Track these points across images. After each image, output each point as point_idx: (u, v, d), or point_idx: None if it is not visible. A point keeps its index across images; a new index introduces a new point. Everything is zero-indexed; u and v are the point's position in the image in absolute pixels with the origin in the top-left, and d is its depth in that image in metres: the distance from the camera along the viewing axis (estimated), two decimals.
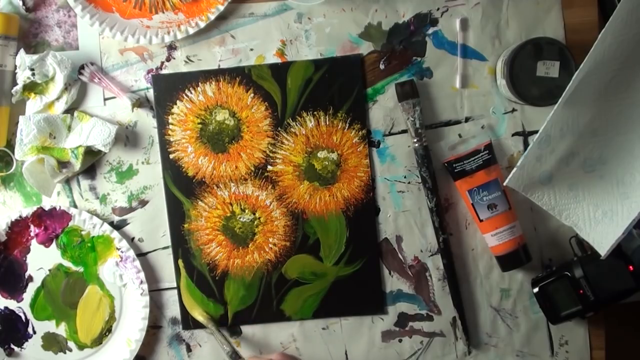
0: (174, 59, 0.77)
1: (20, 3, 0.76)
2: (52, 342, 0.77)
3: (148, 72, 0.77)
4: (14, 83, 0.75)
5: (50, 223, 0.76)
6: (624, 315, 0.88)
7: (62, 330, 0.77)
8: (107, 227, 0.76)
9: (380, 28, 0.77)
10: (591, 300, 0.71)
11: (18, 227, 0.76)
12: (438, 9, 0.77)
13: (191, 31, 0.75)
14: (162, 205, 0.77)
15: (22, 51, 0.74)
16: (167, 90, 0.77)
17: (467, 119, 0.77)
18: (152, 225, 0.77)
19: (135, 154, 0.77)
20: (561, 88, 0.68)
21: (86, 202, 0.77)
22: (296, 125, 0.77)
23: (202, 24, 0.75)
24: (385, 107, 0.77)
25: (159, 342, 0.78)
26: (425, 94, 0.77)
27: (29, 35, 0.77)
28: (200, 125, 0.77)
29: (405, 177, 0.78)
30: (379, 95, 0.77)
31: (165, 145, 0.77)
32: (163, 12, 0.77)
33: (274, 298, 0.77)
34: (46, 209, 0.76)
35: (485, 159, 0.75)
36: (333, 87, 0.76)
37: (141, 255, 0.77)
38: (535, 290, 0.75)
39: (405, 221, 0.78)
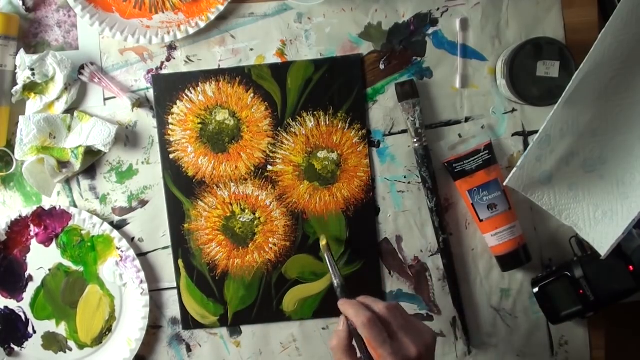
0: (174, 59, 0.77)
1: (20, 3, 0.76)
2: (52, 342, 0.77)
3: (148, 72, 0.77)
4: (14, 83, 0.75)
5: (50, 223, 0.76)
6: (624, 315, 0.88)
7: (62, 329, 0.77)
8: (107, 227, 0.76)
9: (380, 28, 0.77)
10: (591, 300, 0.71)
11: (18, 227, 0.76)
12: (438, 9, 0.77)
13: (191, 31, 0.75)
14: (162, 205, 0.77)
15: (22, 51, 0.74)
16: (167, 90, 0.77)
17: (467, 119, 0.77)
18: (152, 225, 0.77)
19: (135, 154, 0.77)
20: (561, 88, 0.68)
21: (86, 202, 0.77)
22: (296, 125, 0.77)
23: (202, 24, 0.75)
24: (385, 107, 0.77)
25: (159, 342, 0.78)
26: (425, 94, 0.77)
27: (29, 35, 0.77)
28: (200, 125, 0.77)
29: (405, 177, 0.78)
30: (379, 95, 0.77)
31: (165, 145, 0.77)
32: (163, 12, 0.77)
33: (274, 298, 0.77)
34: (46, 208, 0.76)
35: (485, 159, 0.75)
36: (333, 87, 0.76)
37: (141, 255, 0.77)
38: (535, 290, 0.75)
39: (405, 221, 0.78)
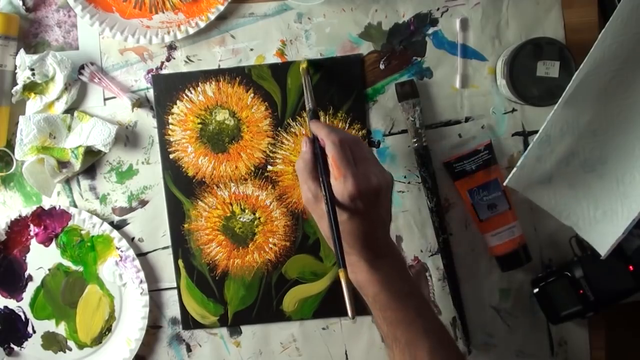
0: (174, 59, 0.77)
1: (20, 3, 0.76)
2: (51, 342, 0.77)
3: (148, 72, 0.77)
4: (14, 83, 0.75)
5: (49, 222, 0.76)
6: (624, 315, 0.88)
7: (61, 329, 0.77)
8: (106, 227, 0.76)
9: (380, 28, 0.77)
10: (591, 300, 0.71)
11: (18, 227, 0.76)
12: (438, 9, 0.77)
13: (191, 31, 0.75)
14: (162, 205, 0.77)
15: (22, 51, 0.74)
16: (167, 90, 0.77)
17: (467, 119, 0.77)
18: (152, 225, 0.77)
19: (135, 154, 0.77)
20: (561, 88, 0.68)
21: (86, 202, 0.77)
22: (296, 125, 0.77)
23: (202, 24, 0.75)
24: (385, 107, 0.77)
25: (159, 342, 0.78)
26: (425, 94, 0.77)
27: (29, 35, 0.77)
28: (200, 125, 0.77)
29: (405, 177, 0.78)
30: (379, 95, 0.77)
31: (165, 145, 0.77)
32: (163, 12, 0.77)
33: (274, 298, 0.77)
34: (46, 208, 0.76)
35: (485, 159, 0.75)
36: (333, 87, 0.76)
37: (141, 255, 0.77)
38: (535, 290, 0.75)
39: (405, 221, 0.78)
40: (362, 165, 0.62)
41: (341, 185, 0.60)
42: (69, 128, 0.75)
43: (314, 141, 0.64)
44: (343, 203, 0.60)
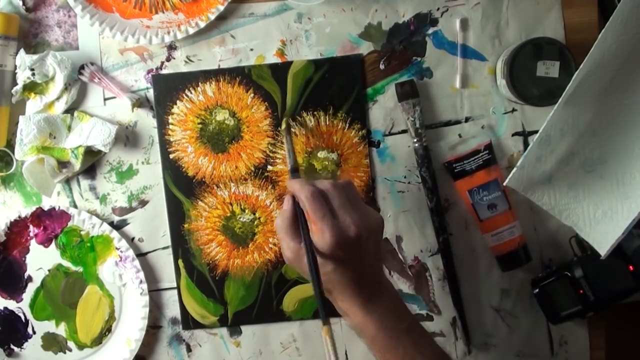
0: (174, 59, 0.77)
1: (20, 3, 0.76)
2: (51, 342, 0.77)
3: (148, 72, 0.77)
4: (14, 83, 0.75)
5: (49, 223, 0.76)
6: (624, 315, 0.88)
7: (61, 330, 0.77)
8: (106, 227, 0.76)
9: (380, 28, 0.77)
10: (591, 300, 0.71)
11: (17, 228, 0.76)
12: (438, 9, 0.77)
13: (191, 31, 0.75)
14: (162, 205, 0.77)
15: (22, 51, 0.74)
16: (167, 90, 0.77)
17: (467, 119, 0.77)
18: (152, 225, 0.77)
19: (135, 154, 0.77)
20: (561, 88, 0.68)
21: (86, 202, 0.77)
22: (296, 125, 0.77)
23: (202, 24, 0.75)
24: (385, 107, 0.77)
25: (159, 342, 0.78)
26: (425, 94, 0.77)
27: (29, 35, 0.77)
28: (200, 125, 0.77)
29: (405, 177, 0.78)
30: (379, 95, 0.77)
31: (165, 145, 0.77)
32: (163, 12, 0.77)
33: (274, 298, 0.77)
34: (45, 209, 0.76)
35: (485, 159, 0.75)
36: (333, 87, 0.76)
37: (141, 255, 0.77)
38: (535, 290, 0.75)
39: (405, 221, 0.78)
40: (341, 214, 0.61)
41: (320, 239, 0.60)
42: (69, 128, 0.75)
43: (294, 198, 0.64)
44: (324, 256, 0.60)
